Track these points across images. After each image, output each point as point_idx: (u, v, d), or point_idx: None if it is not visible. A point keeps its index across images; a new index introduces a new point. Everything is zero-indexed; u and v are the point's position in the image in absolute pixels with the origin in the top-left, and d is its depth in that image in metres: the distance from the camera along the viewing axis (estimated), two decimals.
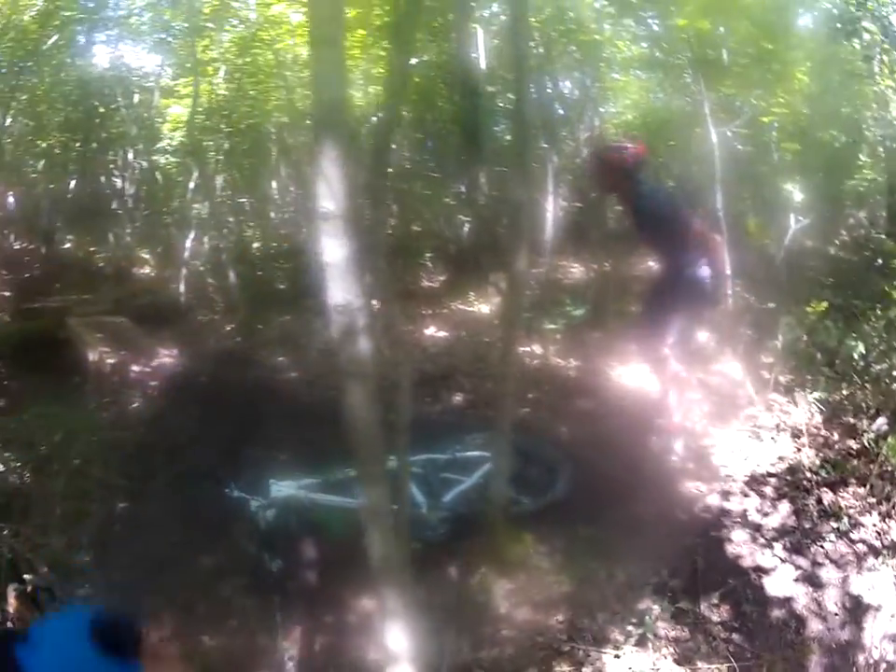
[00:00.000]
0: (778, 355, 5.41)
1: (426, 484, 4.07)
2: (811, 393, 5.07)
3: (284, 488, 4.10)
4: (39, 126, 11.88)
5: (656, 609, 3.49)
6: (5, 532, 4.22)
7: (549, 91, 9.23)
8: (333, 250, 2.20)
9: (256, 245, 12.12)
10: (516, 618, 3.53)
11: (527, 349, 6.23)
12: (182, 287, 9.52)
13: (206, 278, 10.11)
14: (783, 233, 6.09)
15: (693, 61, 6.86)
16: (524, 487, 4.23)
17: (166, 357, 7.49)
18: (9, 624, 3.48)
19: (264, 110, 10.51)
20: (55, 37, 10.35)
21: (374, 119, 9.21)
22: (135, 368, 6.99)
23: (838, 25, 7.47)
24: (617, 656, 3.28)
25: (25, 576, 3.78)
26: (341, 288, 2.22)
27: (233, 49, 10.29)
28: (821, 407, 4.98)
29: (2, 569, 3.83)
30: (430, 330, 7.81)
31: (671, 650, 3.32)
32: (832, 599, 3.56)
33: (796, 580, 3.67)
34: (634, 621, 3.43)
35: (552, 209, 8.89)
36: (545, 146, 8.84)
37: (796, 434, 4.79)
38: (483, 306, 8.58)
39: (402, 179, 10.20)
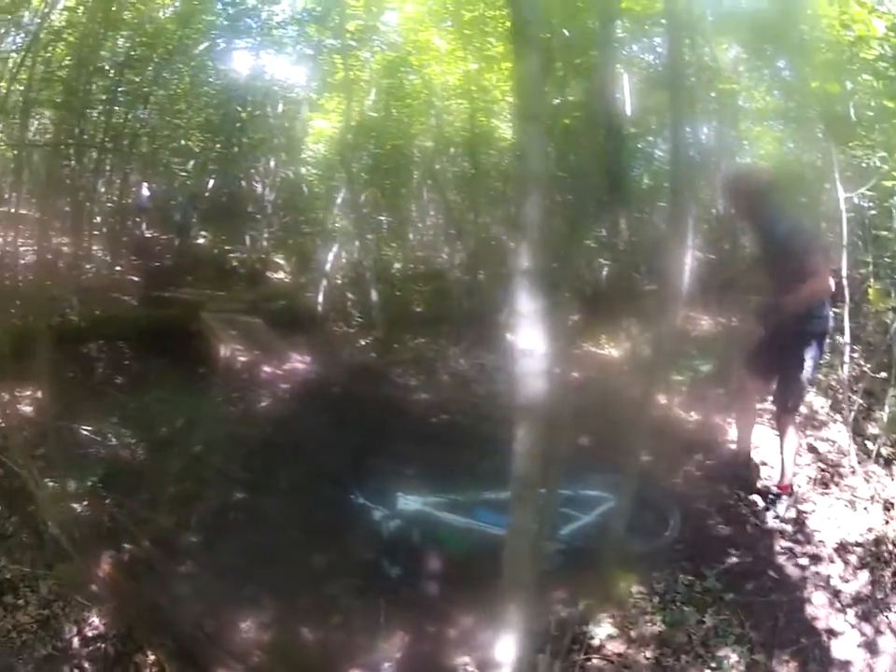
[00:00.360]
0: (883, 426, 5.47)
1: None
2: None
3: (411, 502, 4.38)
4: (178, 124, 12.11)
5: (734, 657, 3.70)
6: (107, 501, 4.52)
7: (688, 138, 9.30)
8: (527, 302, 2.45)
9: (396, 265, 12.23)
10: (609, 650, 3.77)
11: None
12: (320, 297, 9.79)
13: (345, 291, 10.37)
14: None
15: (822, 115, 6.93)
16: (636, 530, 4.27)
17: (299, 362, 7.72)
18: (93, 587, 3.67)
19: (409, 133, 10.70)
20: (195, 39, 10.65)
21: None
22: (267, 368, 7.21)
23: None
24: None
25: (125, 545, 4.05)
26: (529, 335, 2.46)
27: (380, 70, 10.66)
28: None
29: (100, 536, 4.11)
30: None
31: None
32: (883, 667, 3.74)
33: (859, 645, 3.86)
34: (713, 665, 3.66)
35: (687, 259, 9.00)
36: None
37: (887, 507, 4.88)
38: (614, 350, 8.62)
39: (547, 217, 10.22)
